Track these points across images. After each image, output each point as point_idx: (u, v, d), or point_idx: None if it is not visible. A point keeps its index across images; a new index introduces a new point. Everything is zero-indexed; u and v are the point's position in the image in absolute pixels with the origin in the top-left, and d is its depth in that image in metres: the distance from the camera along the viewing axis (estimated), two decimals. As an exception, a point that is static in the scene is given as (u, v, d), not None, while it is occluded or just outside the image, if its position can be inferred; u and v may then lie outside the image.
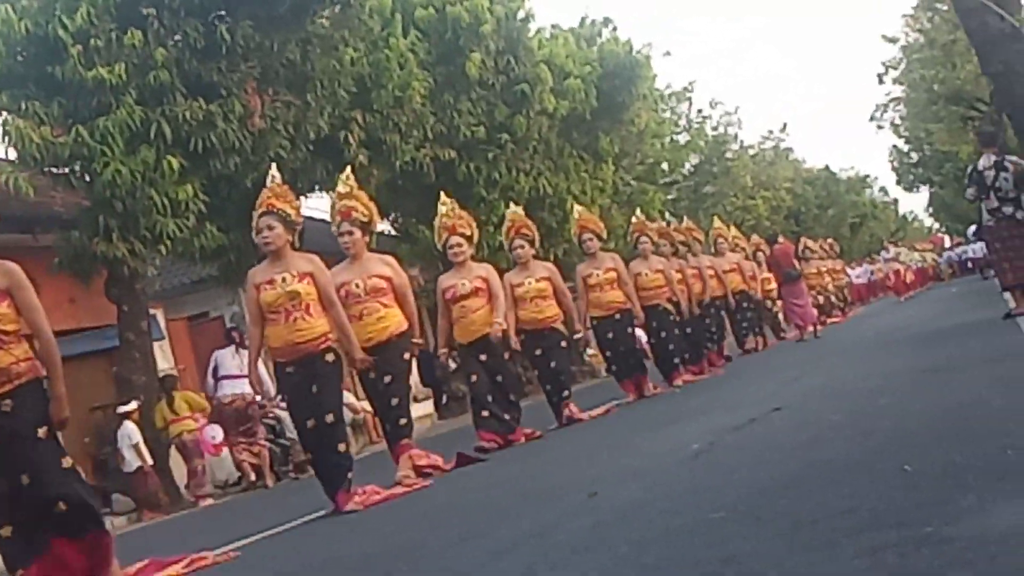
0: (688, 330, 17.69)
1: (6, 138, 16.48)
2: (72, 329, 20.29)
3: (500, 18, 25.33)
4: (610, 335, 15.26)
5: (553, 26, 30.17)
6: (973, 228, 37.73)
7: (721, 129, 51.92)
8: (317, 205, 50.78)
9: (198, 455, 18.67)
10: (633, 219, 18.43)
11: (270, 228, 9.14)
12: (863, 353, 14.72)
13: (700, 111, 50.34)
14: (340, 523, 8.47)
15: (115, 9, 16.74)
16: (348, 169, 11.18)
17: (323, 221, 26.92)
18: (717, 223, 24.11)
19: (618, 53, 30.04)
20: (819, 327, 23.54)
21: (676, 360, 16.55)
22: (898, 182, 64.25)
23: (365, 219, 10.61)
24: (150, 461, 17.78)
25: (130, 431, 17.75)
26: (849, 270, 42.18)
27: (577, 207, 16.90)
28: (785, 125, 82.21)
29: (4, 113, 16.73)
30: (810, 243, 30.87)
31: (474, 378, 12.26)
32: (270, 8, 17.92)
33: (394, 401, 10.39)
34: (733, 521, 4.52)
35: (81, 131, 16.33)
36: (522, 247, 13.80)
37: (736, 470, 5.99)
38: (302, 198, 21.07)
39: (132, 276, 17.94)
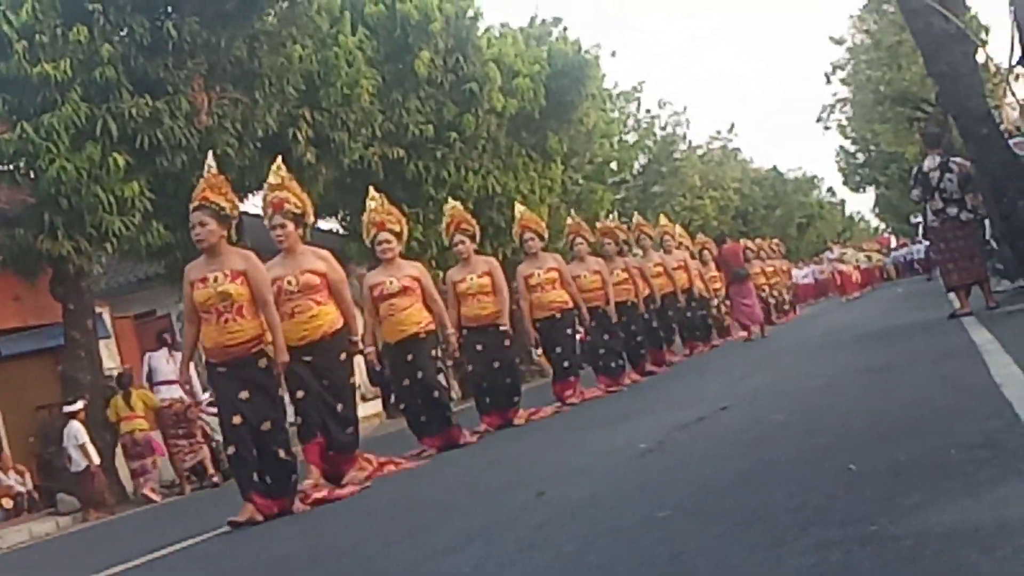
0: (633, 327, 17.63)
1: (-51, 134, 16.35)
2: (17, 327, 20.15)
3: (449, 16, 25.31)
4: (552, 335, 14.96)
5: (502, 25, 30.19)
6: (917, 219, 38.09)
7: (670, 129, 52.07)
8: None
9: (150, 452, 18.59)
10: (568, 220, 18.19)
11: (202, 224, 8.80)
12: (809, 353, 14.79)
13: (649, 111, 50.49)
14: (287, 522, 8.45)
15: (60, 5, 16.63)
16: (279, 159, 10.67)
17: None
18: (664, 220, 24.18)
19: (567, 52, 30.09)
20: (766, 327, 23.62)
21: (613, 364, 16.44)
22: (845, 183, 64.60)
23: (298, 211, 10.14)
24: (97, 460, 17.66)
25: (76, 430, 17.62)
26: (795, 270, 42.40)
27: (519, 207, 16.43)
28: (733, 125, 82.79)
29: (-53, 109, 16.59)
30: (750, 244, 30.98)
31: (406, 382, 11.90)
32: (217, 5, 17.84)
33: (339, 407, 9.92)
34: (680, 519, 4.54)
35: (26, 127, 16.22)
36: (463, 243, 13.52)
37: (684, 468, 6.01)
38: (249, 195, 21.02)
39: (78, 274, 17.82)
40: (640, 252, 20.81)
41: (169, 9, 17.90)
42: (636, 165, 47.08)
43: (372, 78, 22.35)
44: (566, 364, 14.87)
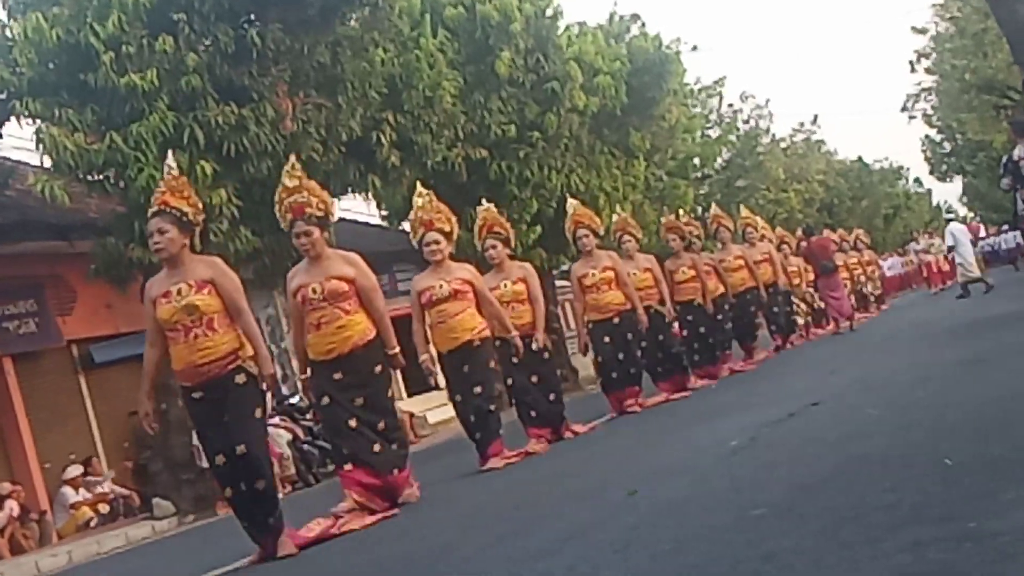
0: (702, 329, 16.88)
1: (40, 146, 16.58)
2: (109, 335, 20.47)
3: (529, 16, 25.29)
4: (607, 340, 14.04)
5: (581, 23, 30.11)
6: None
7: (752, 123, 51.78)
8: (350, 206, 51.00)
9: None
10: (615, 216, 16.97)
11: (161, 232, 7.97)
12: (899, 346, 14.66)
13: (731, 105, 50.24)
14: (380, 526, 8.48)
15: (146, 15, 16.80)
16: (293, 158, 9.78)
17: (355, 222, 27.06)
18: (745, 212, 23.17)
19: (647, 49, 29.96)
20: (855, 320, 23.35)
21: (674, 367, 15.64)
22: (931, 172, 63.95)
23: (321, 213, 9.28)
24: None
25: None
26: (881, 262, 41.93)
27: (571, 201, 15.42)
28: (816, 117, 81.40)
29: (38, 121, 16.83)
30: (838, 236, 30.66)
31: (458, 397, 11.12)
32: (300, 11, 17.95)
33: (380, 424, 9.09)
34: (774, 518, 4.52)
35: (115, 137, 16.41)
36: (495, 247, 12.62)
37: (775, 466, 5.99)
38: (335, 200, 21.17)
39: (167, 281, 18.00)
40: (720, 245, 20.07)
41: (252, 17, 18.05)
42: (719, 160, 46.85)
43: (454, 80, 22.39)
44: (632, 371, 14.13)
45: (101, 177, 17.17)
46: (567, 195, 24.84)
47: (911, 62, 50.91)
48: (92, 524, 18.44)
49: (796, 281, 23.92)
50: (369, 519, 8.63)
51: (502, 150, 24.69)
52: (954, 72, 46.01)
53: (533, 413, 12.45)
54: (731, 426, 8.49)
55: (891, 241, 68.89)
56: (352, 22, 19.42)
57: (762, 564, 3.77)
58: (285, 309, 27.67)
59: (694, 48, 46.32)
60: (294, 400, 20.29)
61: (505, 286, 12.46)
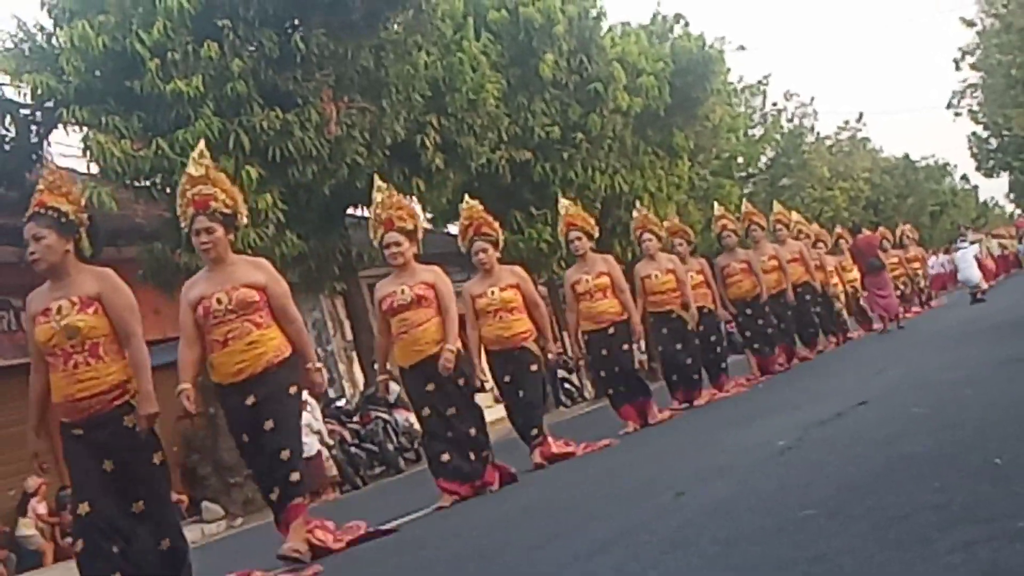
0: (712, 338, 15.73)
1: (87, 153, 16.76)
2: (156, 340, 20.51)
3: (572, 18, 25.31)
4: (604, 352, 12.99)
5: (624, 24, 30.10)
6: None
7: (797, 121, 51.60)
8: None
9: None
10: (634, 214, 15.91)
11: (37, 238, 6.84)
12: (946, 344, 14.55)
13: (775, 104, 50.08)
14: (428, 526, 8.50)
15: (191, 22, 16.92)
16: (202, 143, 8.51)
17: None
18: (778, 207, 22.20)
19: (691, 49, 29.91)
20: (902, 318, 23.14)
21: (695, 376, 14.61)
22: (977, 168, 63.49)
23: (228, 211, 7.94)
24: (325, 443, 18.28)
25: (308, 419, 18.23)
26: (928, 259, 41.57)
27: (563, 201, 14.17)
28: (861, 115, 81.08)
29: (85, 128, 16.99)
30: (887, 232, 30.37)
31: (425, 411, 9.87)
32: (343, 16, 18.04)
33: (283, 454, 7.65)
34: (822, 518, 4.50)
35: (161, 144, 16.54)
36: (484, 250, 11.34)
37: (824, 466, 5.96)
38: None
39: (215, 286, 18.11)
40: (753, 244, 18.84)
41: (296, 22, 18.18)
42: (764, 159, 46.74)
43: (497, 82, 22.42)
44: (632, 383, 13.14)
45: (148, 183, 17.35)
46: (610, 195, 25.05)
47: (956, 59, 50.65)
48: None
49: (833, 281, 22.90)
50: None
51: (546, 152, 24.70)
52: (1000, 68, 45.71)
53: (534, 431, 11.28)
54: (778, 426, 8.46)
55: (938, 238, 68.42)
56: (395, 26, 19.50)
57: (811, 565, 3.76)
58: (330, 312, 27.91)
59: (740, 48, 46.16)
60: (340, 403, 20.38)
61: (492, 293, 11.26)
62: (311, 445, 18.41)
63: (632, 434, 12.55)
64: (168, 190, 17.17)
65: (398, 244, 9.81)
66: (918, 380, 9.94)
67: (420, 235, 10.12)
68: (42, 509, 17.21)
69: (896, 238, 32.12)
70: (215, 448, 18.08)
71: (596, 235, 13.58)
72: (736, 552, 4.30)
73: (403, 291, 9.75)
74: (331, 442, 18.97)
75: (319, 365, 8.05)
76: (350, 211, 20.81)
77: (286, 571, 7.60)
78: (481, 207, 11.74)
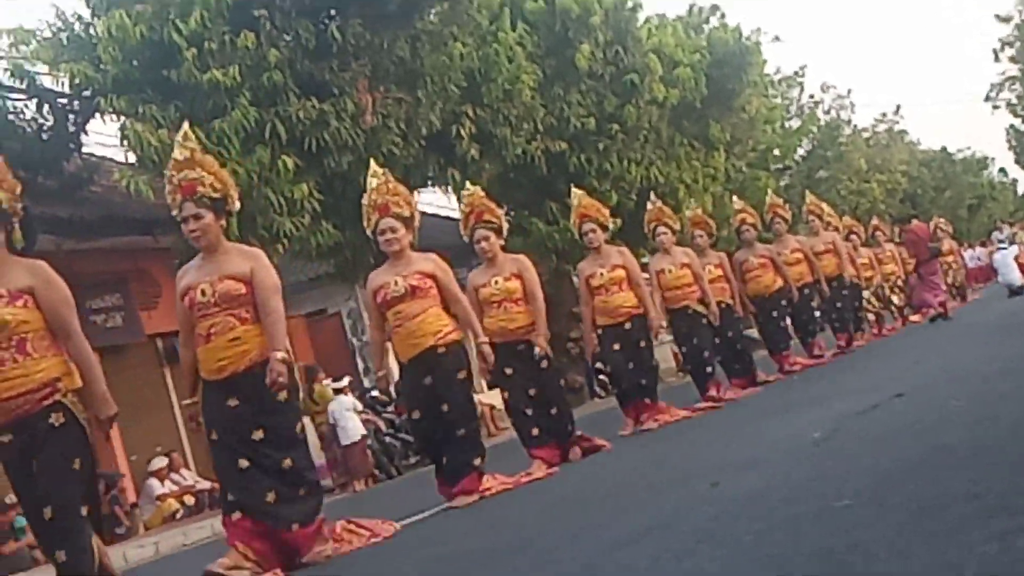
0: (730, 334, 15.30)
1: (125, 142, 16.83)
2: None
3: (608, 8, 25.25)
4: (616, 347, 12.57)
5: (661, 15, 30.05)
6: None
7: (833, 113, 51.44)
8: (431, 200, 51.15)
9: (337, 444, 19.11)
10: (648, 206, 15.54)
11: None
12: (983, 337, 14.48)
13: (812, 96, 49.93)
14: (461, 517, 8.51)
15: (228, 12, 16.99)
16: (186, 126, 8.06)
17: (436, 216, 27.14)
18: (810, 197, 21.77)
19: (727, 40, 29.84)
20: (948, 309, 22.56)
21: (709, 369, 14.22)
22: (1016, 161, 63.24)
23: (217, 195, 7.58)
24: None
25: (351, 403, 18.48)
26: (964, 253, 41.35)
27: (575, 191, 13.63)
28: (899, 107, 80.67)
29: (122, 117, 17.07)
30: (941, 223, 30.10)
31: (416, 414, 9.50)
32: (379, 6, 18.08)
33: (284, 462, 7.39)
34: (857, 509, 4.48)
35: (198, 133, 16.54)
36: (486, 239, 10.92)
37: (859, 457, 5.95)
38: (415, 193, 21.28)
39: (251, 275, 18.18)
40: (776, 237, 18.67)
41: (333, 12, 18.23)
42: (800, 151, 46.58)
43: (533, 73, 22.40)
44: (643, 382, 12.62)
45: (185, 172, 17.37)
46: (646, 187, 24.98)
47: (995, 51, 50.41)
48: (178, 516, 18.69)
49: (868, 274, 22.56)
50: None
51: (581, 143, 24.67)
52: (1038, 61, 45.47)
53: (535, 431, 10.86)
54: (813, 418, 8.44)
55: (976, 232, 68.12)
56: (431, 16, 19.55)
57: (846, 555, 3.75)
58: (366, 303, 27.89)
59: (775, 39, 45.87)
60: (375, 392, 20.46)
61: (496, 283, 10.88)
62: (355, 429, 18.54)
63: (634, 435, 12.22)
64: (205, 179, 17.25)
65: (393, 231, 9.37)
66: (955, 373, 9.89)
67: (417, 222, 9.65)
68: None
69: (931, 231, 31.95)
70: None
71: (610, 227, 13.23)
72: (771, 541, 4.29)
73: (396, 282, 9.33)
74: (366, 432, 19.06)
75: (283, 354, 7.33)
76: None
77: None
78: (483, 194, 11.45)
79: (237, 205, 7.78)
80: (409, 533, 8.40)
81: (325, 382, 20.01)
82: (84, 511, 6.34)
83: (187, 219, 7.46)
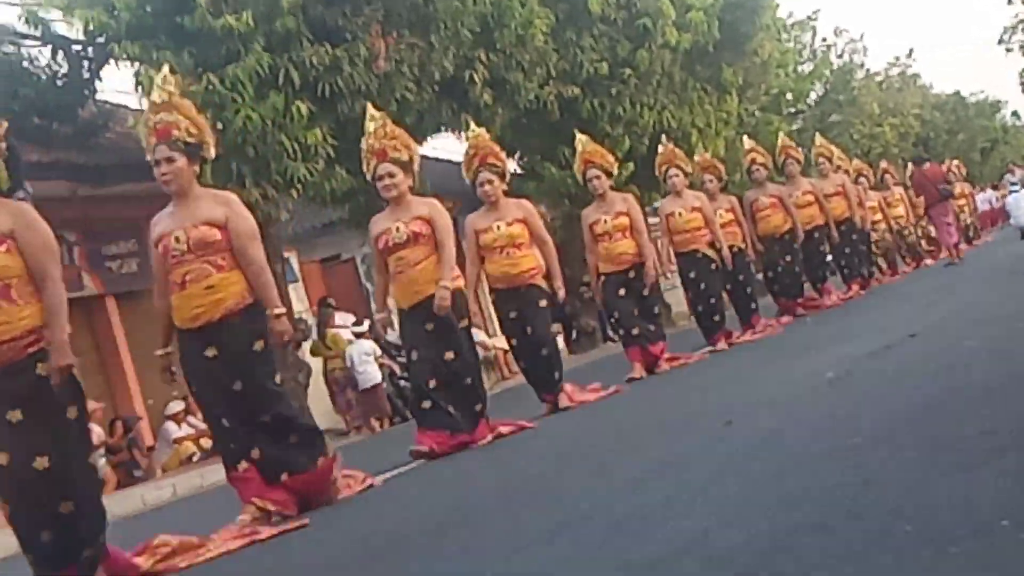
0: (741, 277, 15.19)
1: (139, 88, 16.82)
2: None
3: (620, -47, 25.13)
4: (621, 292, 12.45)
5: (672, -42, 29.85)
6: None
7: (846, 57, 51.13)
8: (443, 145, 51.08)
9: (353, 387, 19.20)
10: (660, 148, 15.25)
11: None
12: (997, 279, 14.47)
13: (824, 40, 49.60)
14: (473, 458, 8.55)
15: (240, -43, 16.93)
16: (166, 70, 7.66)
17: (449, 162, 27.17)
18: (819, 140, 21.49)
19: (740, -17, 29.68)
20: (959, 252, 22.36)
21: (718, 318, 14.09)
22: (1029, 105, 62.89)
23: (192, 139, 7.32)
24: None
25: (371, 347, 18.56)
26: (976, 196, 41.17)
27: (580, 136, 13.36)
28: (912, 51, 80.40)
29: (136, 63, 17.06)
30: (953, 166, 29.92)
31: (415, 354, 9.22)
32: (393, -49, 18.01)
33: (264, 418, 7.23)
34: (870, 447, 4.52)
35: (212, 79, 16.56)
36: (490, 182, 10.69)
37: (872, 396, 5.99)
38: (428, 139, 21.33)
39: (266, 221, 18.18)
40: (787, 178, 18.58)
41: (345, -43, 18.15)
42: (813, 95, 46.35)
43: (545, 17, 22.28)
44: (651, 326, 12.53)
45: (199, 119, 17.36)
46: (658, 131, 24.91)
47: (1008, -8, 49.99)
48: (195, 459, 18.82)
49: (877, 217, 22.59)
50: (274, 530, 6.81)
51: (594, 88, 24.61)
52: (1054, 3, 45.15)
53: (533, 378, 10.87)
54: (827, 359, 8.45)
55: (988, 175, 67.81)
56: (444, -40, 19.42)
57: (859, 491, 3.78)
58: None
59: (788, -19, 45.66)
60: (391, 337, 20.54)
61: (499, 228, 10.65)
62: (373, 374, 18.63)
63: (639, 380, 12.05)
64: (219, 125, 17.24)
65: (391, 176, 9.16)
66: (970, 314, 9.91)
67: (416, 167, 9.42)
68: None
69: (944, 174, 31.84)
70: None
71: (615, 173, 13.14)
72: (784, 479, 4.33)
73: (398, 228, 9.15)
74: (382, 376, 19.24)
75: (282, 310, 7.42)
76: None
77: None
78: (488, 136, 11.33)
79: (212, 152, 7.53)
80: (420, 473, 8.46)
81: (345, 327, 20.15)
82: (87, 462, 6.18)
83: (159, 162, 7.25)
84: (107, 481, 16.99)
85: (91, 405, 16.65)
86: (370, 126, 9.34)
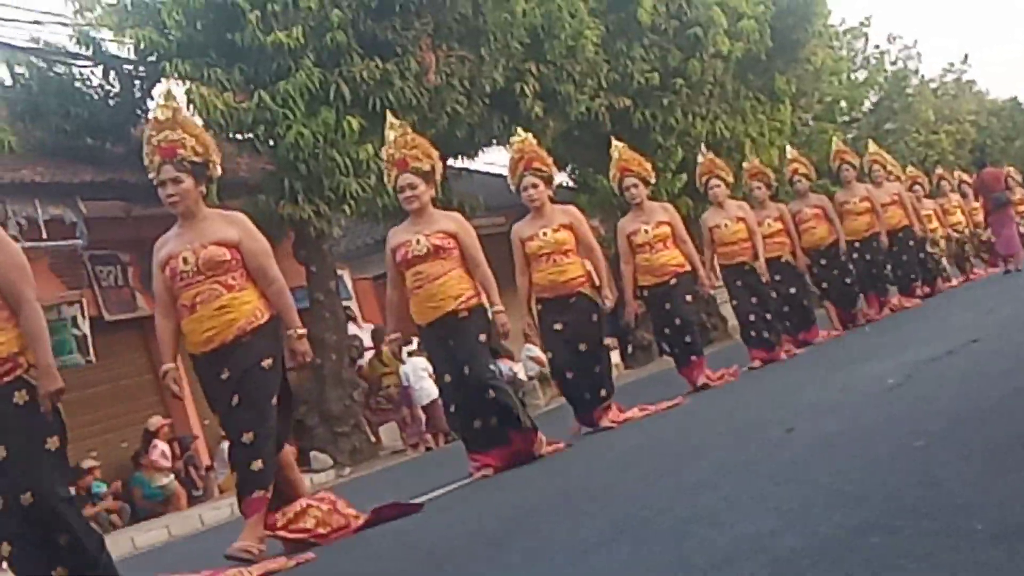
0: (792, 290, 14.71)
1: (191, 106, 16.87)
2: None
3: (670, -38, 25.08)
4: (667, 307, 12.08)
5: (723, -33, 29.77)
6: None
7: (900, 64, 50.85)
8: (495, 159, 51.15)
9: (407, 404, 19.20)
10: (700, 158, 14.95)
11: None
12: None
13: (877, 46, 49.36)
14: (532, 469, 8.52)
15: (289, -27, 16.98)
16: (167, 85, 7.17)
17: (501, 176, 27.21)
18: (873, 147, 20.83)
19: (790, -10, 29.57)
20: (1019, 261, 21.78)
21: (766, 333, 13.58)
22: (1087, 110, 62.35)
23: (198, 159, 7.08)
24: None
25: (424, 364, 18.59)
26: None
27: (616, 143, 12.91)
28: (967, 56, 79.81)
29: (188, 81, 17.12)
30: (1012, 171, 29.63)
31: (448, 378, 8.89)
32: (442, -36, 18.02)
33: (246, 436, 6.83)
34: (934, 449, 4.48)
35: (263, 96, 16.63)
36: (535, 186, 10.32)
37: (935, 400, 5.92)
38: (480, 152, 21.36)
39: (319, 237, 18.27)
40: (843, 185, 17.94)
41: (394, -29, 18.17)
42: (867, 103, 46.14)
43: (596, 29, 22.27)
44: (688, 340, 12.08)
45: (250, 135, 17.44)
46: (711, 141, 24.78)
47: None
48: (252, 478, 18.83)
49: (933, 225, 21.83)
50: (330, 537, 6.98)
51: (645, 98, 24.57)
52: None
53: (574, 395, 10.48)
54: (888, 365, 8.40)
55: (1047, 182, 67.26)
56: (493, -27, 19.43)
57: (923, 492, 3.74)
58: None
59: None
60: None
61: (544, 235, 10.26)
62: (429, 390, 18.63)
63: (694, 395, 11.67)
64: (271, 142, 17.32)
65: (413, 187, 8.77)
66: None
67: (438, 177, 9.16)
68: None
69: (1002, 180, 31.52)
70: (322, 399, 18.22)
71: (653, 181, 12.73)
72: (847, 481, 4.29)
73: (419, 240, 8.74)
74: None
75: (303, 331, 7.24)
76: (450, 161, 20.81)
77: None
78: (535, 141, 10.99)
79: (219, 171, 7.32)
80: (479, 487, 8.42)
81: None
82: (69, 492, 5.83)
83: (165, 183, 7.00)
84: (179, 496, 17.10)
85: (158, 421, 16.93)
86: (390, 135, 9.09)
